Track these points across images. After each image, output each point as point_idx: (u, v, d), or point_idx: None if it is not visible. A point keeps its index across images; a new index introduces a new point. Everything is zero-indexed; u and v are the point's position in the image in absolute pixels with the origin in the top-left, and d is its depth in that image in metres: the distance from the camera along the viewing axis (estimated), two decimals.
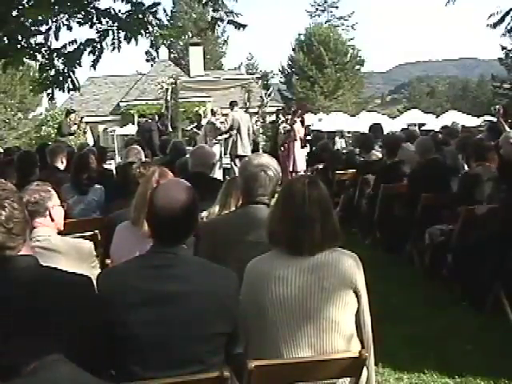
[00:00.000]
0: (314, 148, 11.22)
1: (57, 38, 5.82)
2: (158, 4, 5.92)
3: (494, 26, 7.35)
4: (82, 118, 13.90)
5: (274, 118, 14.16)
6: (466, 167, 5.89)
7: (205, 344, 1.98)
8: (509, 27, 7.33)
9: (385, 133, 8.67)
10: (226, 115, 12.21)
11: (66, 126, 11.46)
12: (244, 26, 6.13)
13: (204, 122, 13.98)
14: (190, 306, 1.95)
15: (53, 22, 5.75)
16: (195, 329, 1.96)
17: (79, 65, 5.94)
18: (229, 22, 6.21)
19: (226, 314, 2.03)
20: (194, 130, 14.38)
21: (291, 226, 2.22)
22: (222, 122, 11.79)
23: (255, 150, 12.59)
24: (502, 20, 7.22)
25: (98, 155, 6.59)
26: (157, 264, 1.99)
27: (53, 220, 2.89)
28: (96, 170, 5.39)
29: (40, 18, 5.59)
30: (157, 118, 13.36)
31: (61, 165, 5.94)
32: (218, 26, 6.44)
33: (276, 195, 2.87)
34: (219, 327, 2.00)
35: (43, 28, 5.84)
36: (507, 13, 6.96)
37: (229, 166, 12.22)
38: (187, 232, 2.08)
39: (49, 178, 3.73)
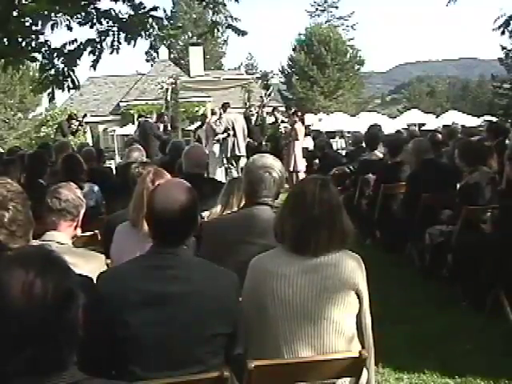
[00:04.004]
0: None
1: (52, 30, 5.80)
2: (157, 8, 5.95)
3: (500, 28, 7.37)
4: (85, 115, 13.80)
5: (273, 118, 14.15)
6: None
7: (205, 345, 1.97)
8: None
9: (385, 133, 8.64)
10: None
11: (65, 126, 11.45)
12: (244, 33, 6.15)
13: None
14: (190, 307, 1.95)
15: (52, 19, 5.74)
16: (195, 329, 1.96)
17: (79, 60, 5.93)
18: (228, 27, 6.22)
19: (226, 314, 2.02)
20: (198, 131, 14.37)
21: (298, 225, 2.22)
22: (215, 123, 11.75)
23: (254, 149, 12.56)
24: (507, 23, 7.24)
25: (95, 155, 6.61)
26: (157, 265, 1.99)
27: (76, 227, 2.66)
28: (89, 169, 5.38)
29: (40, 13, 5.58)
30: (155, 117, 13.35)
31: None
32: (218, 30, 6.46)
33: (281, 195, 2.88)
34: (219, 328, 2.00)
35: (42, 26, 5.83)
36: None
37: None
38: (187, 232, 2.08)
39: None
